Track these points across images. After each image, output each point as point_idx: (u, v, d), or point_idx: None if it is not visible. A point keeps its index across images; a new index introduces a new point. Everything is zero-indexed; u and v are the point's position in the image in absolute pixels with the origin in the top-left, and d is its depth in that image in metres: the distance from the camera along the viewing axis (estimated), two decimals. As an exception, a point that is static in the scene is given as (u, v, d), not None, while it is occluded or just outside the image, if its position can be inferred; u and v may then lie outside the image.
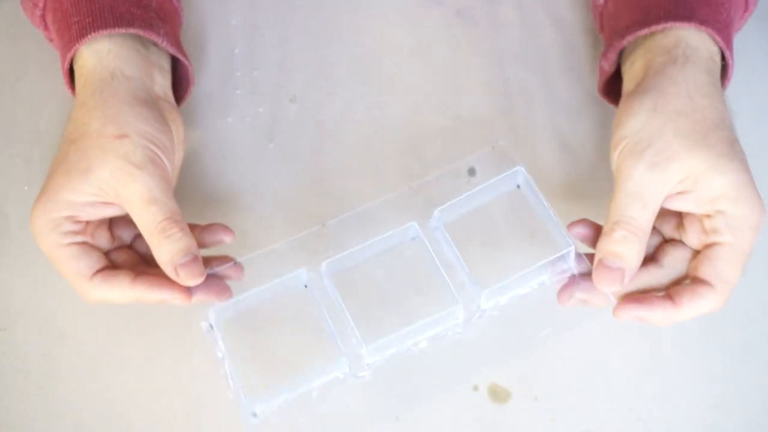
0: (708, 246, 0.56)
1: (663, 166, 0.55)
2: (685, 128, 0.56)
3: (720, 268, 0.55)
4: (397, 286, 0.62)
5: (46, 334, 0.63)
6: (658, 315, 0.55)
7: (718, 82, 0.60)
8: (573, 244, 0.58)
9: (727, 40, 0.60)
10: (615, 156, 0.57)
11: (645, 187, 0.55)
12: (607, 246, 0.55)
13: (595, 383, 0.62)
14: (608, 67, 0.66)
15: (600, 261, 0.56)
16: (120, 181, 0.55)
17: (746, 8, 0.65)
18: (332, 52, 0.76)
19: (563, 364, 0.62)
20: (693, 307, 0.55)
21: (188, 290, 0.57)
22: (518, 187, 0.63)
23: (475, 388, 0.61)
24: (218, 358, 0.57)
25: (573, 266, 0.59)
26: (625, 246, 0.55)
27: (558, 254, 0.58)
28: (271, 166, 0.70)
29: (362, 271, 0.62)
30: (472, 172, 0.70)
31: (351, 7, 0.78)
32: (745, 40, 0.76)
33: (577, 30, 0.77)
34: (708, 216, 0.56)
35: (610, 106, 0.68)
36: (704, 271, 0.55)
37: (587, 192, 0.69)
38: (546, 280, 0.59)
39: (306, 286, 0.60)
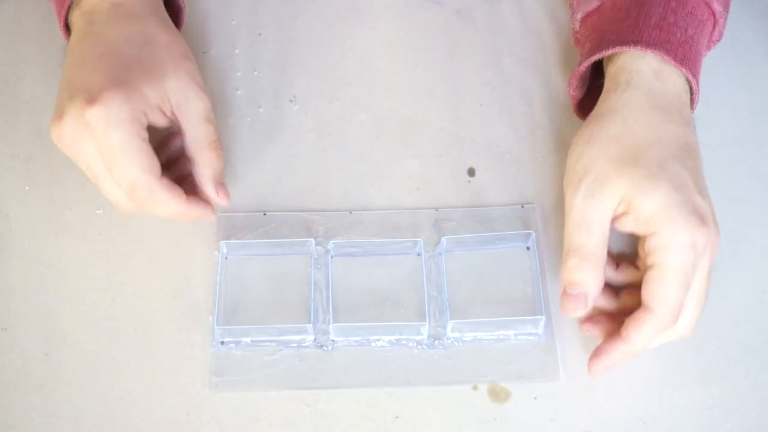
0: (647, 268, 0.57)
1: (598, 192, 0.57)
2: (617, 152, 0.57)
3: (654, 290, 0.56)
4: (385, 287, 0.65)
5: (46, 334, 0.62)
6: (617, 356, 0.58)
7: (667, 104, 0.60)
8: (544, 316, 0.62)
9: (684, 58, 0.61)
10: (564, 187, 0.60)
11: (586, 215, 0.57)
12: (564, 276, 0.58)
13: (594, 383, 0.62)
14: (573, 92, 0.67)
15: (563, 290, 0.58)
16: (186, 96, 0.59)
17: (715, 22, 0.65)
18: (332, 52, 0.76)
19: (563, 363, 0.62)
20: (639, 336, 0.57)
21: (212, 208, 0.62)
22: (528, 248, 0.66)
23: (475, 387, 0.61)
24: (216, 280, 0.63)
25: (542, 333, 0.63)
26: (580, 273, 0.57)
27: (529, 317, 0.63)
28: (271, 167, 0.70)
29: (362, 262, 0.65)
30: (471, 172, 0.70)
31: (351, 7, 0.78)
32: (745, 39, 0.76)
33: (577, 30, 0.77)
34: (646, 237, 0.57)
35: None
36: (644, 295, 0.57)
37: None
38: (512, 336, 0.63)
39: (311, 256, 0.65)
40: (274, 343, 0.62)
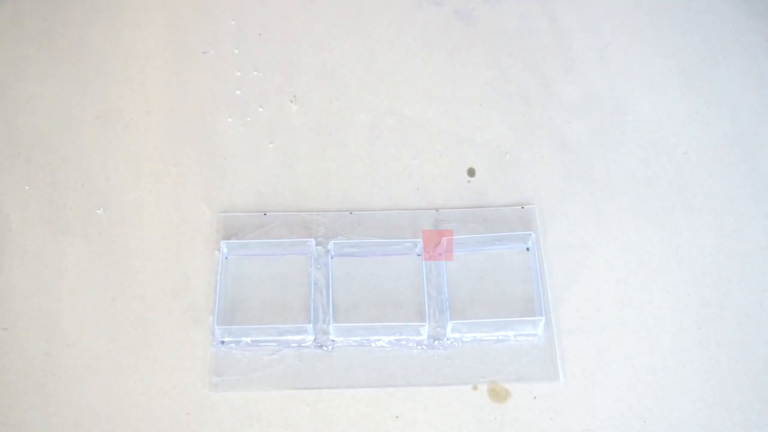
0: None
1: None
2: None
3: None
4: (385, 287, 0.65)
5: (46, 334, 0.62)
6: None
7: None
8: (544, 317, 0.63)
9: None
10: None
11: None
12: None
13: (594, 383, 0.61)
14: None
15: None
16: None
17: None
18: (332, 52, 0.76)
19: (563, 362, 0.62)
20: None
21: None
22: (528, 249, 0.66)
23: (475, 387, 0.61)
24: (216, 280, 0.64)
25: (541, 334, 0.63)
26: None
27: (528, 318, 0.63)
28: (271, 167, 0.70)
29: (363, 263, 0.66)
30: (471, 172, 0.70)
31: (351, 7, 0.78)
32: (744, 39, 0.76)
33: (577, 30, 0.77)
34: None
35: (610, 105, 0.68)
36: None
37: (585, 190, 0.69)
38: (512, 337, 0.63)
39: (311, 256, 0.65)
40: (275, 343, 0.62)
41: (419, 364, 0.62)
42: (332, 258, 0.65)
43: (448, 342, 0.63)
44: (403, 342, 0.63)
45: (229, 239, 0.66)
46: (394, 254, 0.66)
